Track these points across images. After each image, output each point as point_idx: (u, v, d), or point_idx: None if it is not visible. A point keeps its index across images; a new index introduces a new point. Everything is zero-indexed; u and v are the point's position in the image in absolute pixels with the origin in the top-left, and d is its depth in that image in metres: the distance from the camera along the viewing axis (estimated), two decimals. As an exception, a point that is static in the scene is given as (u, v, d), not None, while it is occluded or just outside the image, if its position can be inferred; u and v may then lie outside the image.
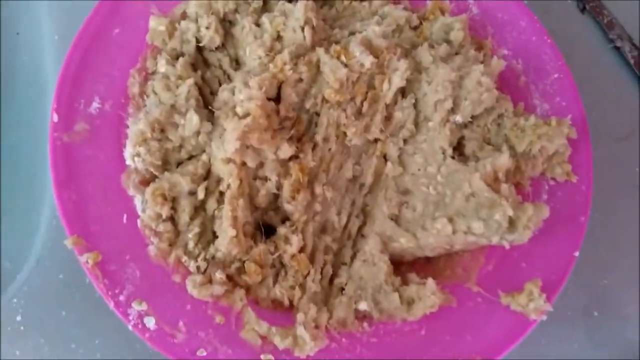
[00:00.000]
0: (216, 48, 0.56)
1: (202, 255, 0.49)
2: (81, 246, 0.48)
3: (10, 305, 0.54)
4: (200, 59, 0.57)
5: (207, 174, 0.52)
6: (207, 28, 0.54)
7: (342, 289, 0.52)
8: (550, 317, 0.51)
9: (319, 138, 0.53)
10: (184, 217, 0.50)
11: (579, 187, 0.57)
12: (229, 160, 0.49)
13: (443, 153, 0.53)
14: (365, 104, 0.53)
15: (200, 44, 0.55)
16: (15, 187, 0.59)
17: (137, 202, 0.50)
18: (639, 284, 0.64)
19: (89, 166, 0.50)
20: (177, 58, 0.54)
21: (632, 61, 0.73)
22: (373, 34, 0.54)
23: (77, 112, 0.52)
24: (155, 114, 0.50)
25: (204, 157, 0.51)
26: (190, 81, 0.52)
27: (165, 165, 0.52)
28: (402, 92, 0.55)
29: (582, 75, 0.62)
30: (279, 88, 0.52)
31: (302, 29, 0.53)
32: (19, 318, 0.54)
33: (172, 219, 0.50)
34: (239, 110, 0.48)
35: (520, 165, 0.55)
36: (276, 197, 0.52)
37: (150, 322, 0.47)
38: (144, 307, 0.47)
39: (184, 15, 0.56)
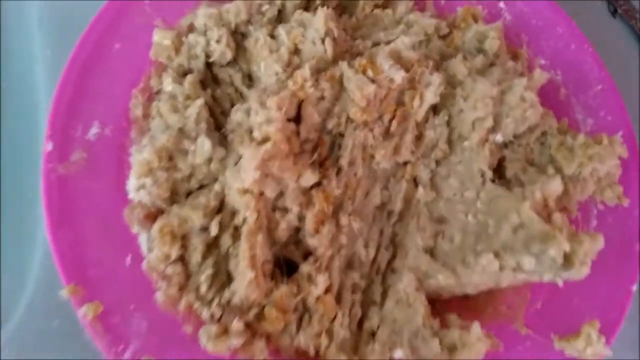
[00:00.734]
0: (227, 63, 0.53)
1: (216, 301, 0.45)
2: (79, 296, 0.43)
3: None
4: (209, 76, 0.54)
5: (221, 206, 0.48)
6: (217, 42, 0.52)
7: (374, 333, 0.47)
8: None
9: (343, 162, 0.50)
10: (195, 256, 0.46)
11: (631, 212, 0.55)
12: (246, 191, 0.45)
13: (482, 176, 0.50)
14: (394, 123, 0.50)
15: (210, 60, 0.52)
16: (4, 222, 0.54)
17: (142, 240, 0.46)
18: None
19: (87, 201, 0.47)
20: (185, 75, 0.51)
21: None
22: (403, 46, 0.51)
23: (73, 139, 0.49)
24: (161, 140, 0.47)
25: (217, 186, 0.47)
26: (200, 101, 0.49)
27: (174, 196, 0.48)
28: (434, 108, 0.52)
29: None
30: (299, 107, 0.49)
31: (323, 41, 0.50)
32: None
33: (181, 259, 0.46)
34: (256, 134, 0.46)
35: (569, 188, 0.52)
36: (297, 229, 0.48)
37: (160, 381, 0.43)
38: (152, 364, 0.43)
39: (191, 28, 0.53)
